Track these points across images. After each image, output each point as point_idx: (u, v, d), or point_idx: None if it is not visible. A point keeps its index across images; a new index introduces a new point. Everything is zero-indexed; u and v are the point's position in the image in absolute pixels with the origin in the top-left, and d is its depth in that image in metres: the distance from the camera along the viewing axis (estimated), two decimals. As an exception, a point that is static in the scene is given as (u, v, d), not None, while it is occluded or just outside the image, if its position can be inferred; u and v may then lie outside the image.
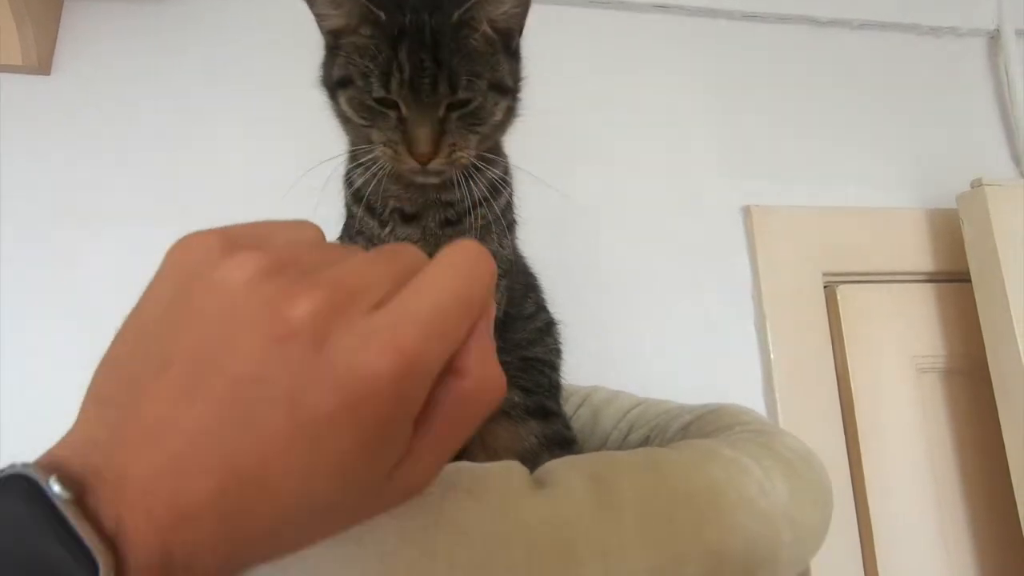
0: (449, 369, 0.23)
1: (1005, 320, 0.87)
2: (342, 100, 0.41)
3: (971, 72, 1.14)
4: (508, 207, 0.49)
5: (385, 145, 0.39)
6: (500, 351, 0.48)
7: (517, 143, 0.52)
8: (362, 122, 0.41)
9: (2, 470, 0.20)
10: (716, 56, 1.05)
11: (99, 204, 0.82)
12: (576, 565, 0.25)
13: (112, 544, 0.19)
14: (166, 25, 0.89)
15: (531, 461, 0.33)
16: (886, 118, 1.08)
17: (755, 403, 0.94)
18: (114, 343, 0.23)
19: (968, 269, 0.92)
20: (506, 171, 0.49)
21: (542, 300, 0.60)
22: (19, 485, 0.19)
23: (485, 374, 0.23)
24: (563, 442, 0.45)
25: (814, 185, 1.02)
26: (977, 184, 0.92)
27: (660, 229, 0.97)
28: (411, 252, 0.25)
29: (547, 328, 0.57)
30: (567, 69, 0.97)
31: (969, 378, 0.98)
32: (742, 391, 0.93)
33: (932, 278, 1.02)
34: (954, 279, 0.99)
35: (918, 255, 1.01)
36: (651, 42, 1.03)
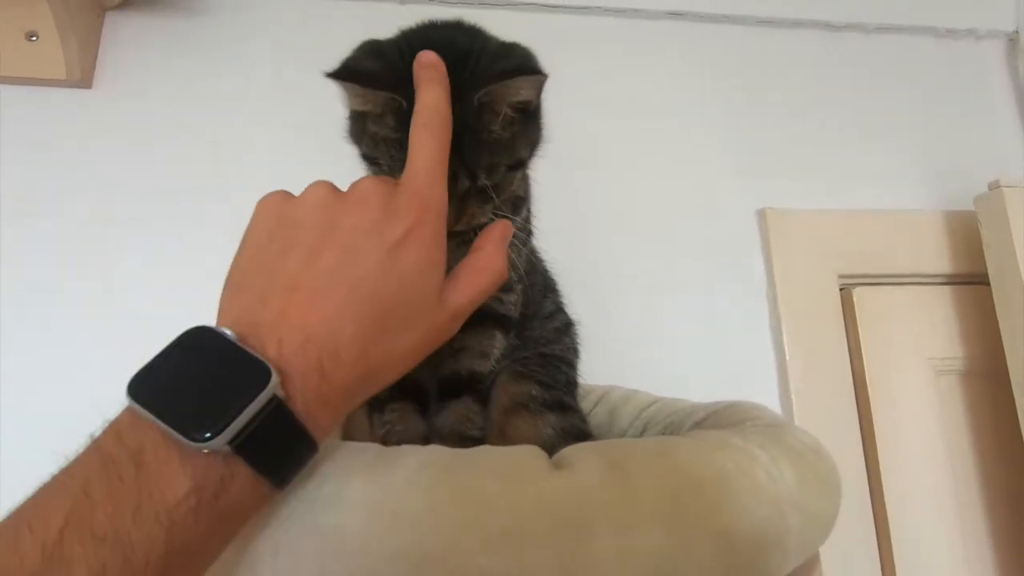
0: (474, 247, 0.38)
1: (1023, 321, 0.87)
2: (370, 169, 0.44)
3: (989, 74, 1.14)
4: (527, 219, 0.51)
5: None
6: (519, 348, 0.50)
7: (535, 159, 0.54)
8: None
9: (185, 331, 0.29)
10: (731, 61, 1.06)
11: (138, 208, 0.86)
12: (591, 539, 0.27)
13: (277, 364, 0.27)
14: (202, 40, 0.93)
15: (548, 452, 0.35)
16: (902, 121, 1.08)
17: (771, 405, 0.93)
18: (232, 268, 0.34)
19: (986, 271, 0.92)
20: (525, 190, 0.50)
21: (560, 302, 0.62)
22: (203, 333, 0.29)
23: (493, 255, 0.38)
24: (579, 435, 0.47)
25: (830, 188, 1.03)
26: (995, 186, 0.92)
27: (676, 232, 0.98)
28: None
29: (565, 328, 0.59)
30: (585, 76, 0.99)
31: (987, 380, 0.97)
32: (758, 394, 0.93)
33: (949, 280, 1.01)
34: (972, 281, 0.99)
35: (935, 257, 1.01)
36: (666, 48, 1.05)
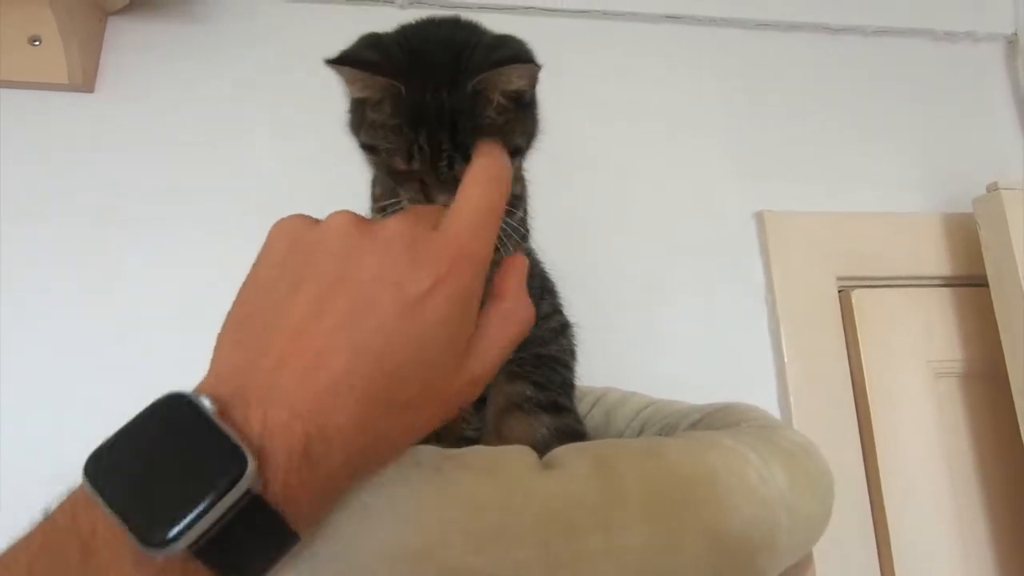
0: (493, 295, 0.32)
1: (1022, 323, 0.87)
2: (369, 159, 0.44)
3: (988, 77, 1.14)
4: (523, 219, 0.51)
5: (410, 202, 0.42)
6: (515, 348, 0.50)
7: (532, 154, 0.55)
8: (388, 179, 0.44)
9: (162, 395, 0.25)
10: (730, 64, 1.06)
11: (140, 212, 0.87)
12: (580, 538, 0.27)
13: (259, 444, 0.24)
14: (203, 45, 0.94)
15: (542, 451, 0.35)
16: (901, 123, 1.08)
17: (769, 408, 0.93)
18: (235, 305, 0.30)
19: (985, 273, 0.92)
20: (521, 190, 0.51)
21: (558, 303, 0.62)
22: (178, 402, 0.24)
23: (518, 301, 0.33)
24: (574, 436, 0.47)
25: (828, 190, 1.03)
26: (993, 188, 0.92)
27: (675, 235, 0.98)
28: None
29: (562, 329, 0.59)
30: (581, 79, 1.00)
31: (987, 382, 0.97)
32: (756, 396, 0.93)
33: (948, 282, 1.02)
34: (971, 283, 0.99)
35: (934, 259, 1.01)
36: (665, 52, 1.05)
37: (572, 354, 0.59)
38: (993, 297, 0.91)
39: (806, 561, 0.39)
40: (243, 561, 0.24)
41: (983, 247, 0.93)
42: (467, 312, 0.29)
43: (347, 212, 0.31)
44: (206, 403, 0.24)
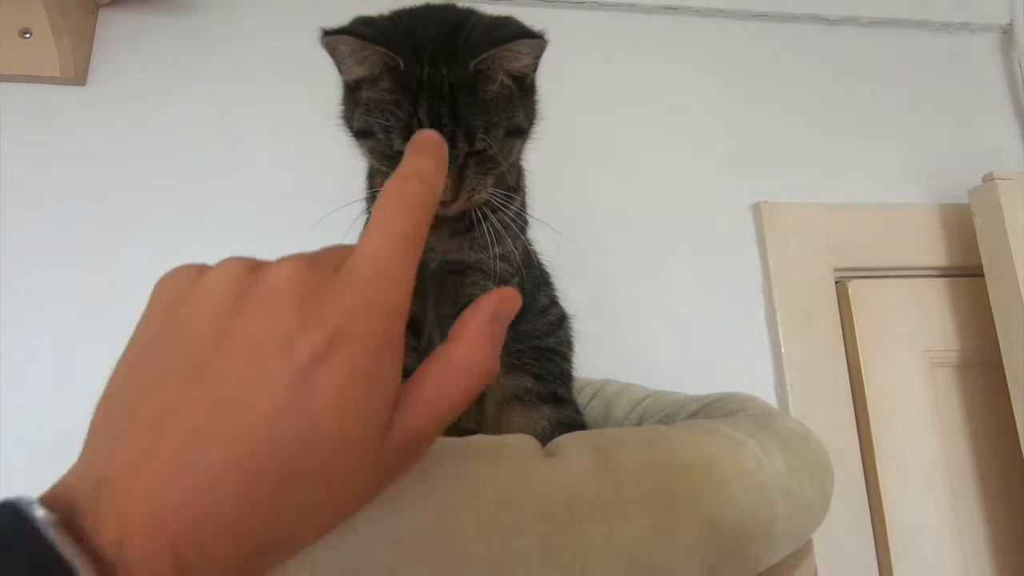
0: (449, 338, 0.26)
1: (1018, 313, 0.87)
2: (363, 148, 0.43)
3: (983, 67, 1.14)
4: (520, 211, 0.51)
5: None
6: (513, 341, 0.50)
7: (529, 145, 0.54)
8: (384, 168, 0.42)
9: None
10: (726, 56, 1.06)
11: (133, 205, 0.86)
12: (580, 524, 0.27)
13: (113, 555, 0.20)
14: (193, 36, 0.93)
15: (542, 443, 0.36)
16: (897, 114, 1.09)
17: (767, 398, 0.94)
18: (109, 380, 0.25)
19: (980, 263, 0.93)
20: (519, 179, 0.51)
21: (555, 295, 0.62)
22: (6, 511, 0.20)
23: (476, 346, 0.26)
24: (574, 427, 0.47)
25: (825, 181, 1.03)
26: (988, 178, 0.92)
27: (672, 226, 0.98)
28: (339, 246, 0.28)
29: (559, 322, 0.59)
30: (578, 71, 1.00)
31: (983, 372, 0.98)
32: (754, 386, 0.94)
33: (944, 272, 1.02)
34: (966, 273, 1.00)
35: (930, 250, 1.02)
36: (661, 43, 1.05)
37: (570, 345, 0.59)
38: (989, 287, 0.92)
39: (805, 549, 0.39)
40: None
41: (978, 237, 0.93)
42: (377, 370, 0.24)
43: (236, 259, 0.25)
44: (39, 513, 0.20)
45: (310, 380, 0.22)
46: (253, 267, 0.25)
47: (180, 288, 0.26)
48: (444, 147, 0.29)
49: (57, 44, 0.85)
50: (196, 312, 0.24)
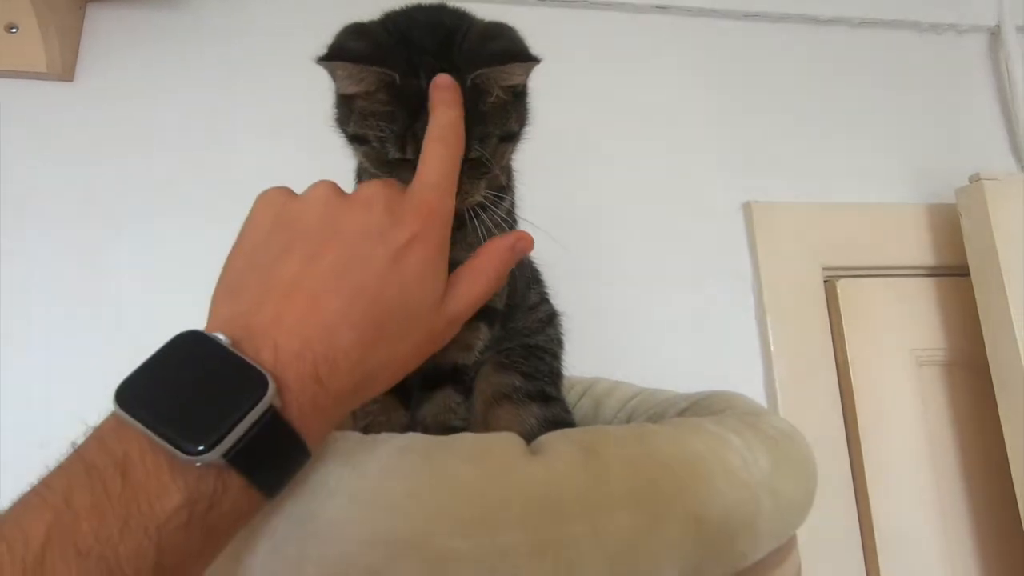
0: (475, 253, 0.38)
1: (1004, 313, 0.88)
2: (358, 152, 0.43)
3: (971, 68, 1.15)
4: (511, 210, 0.51)
5: None
6: (503, 339, 0.51)
7: (522, 143, 0.54)
8: (379, 172, 0.42)
9: (176, 334, 0.28)
10: (716, 55, 1.07)
11: (121, 203, 0.86)
12: (566, 522, 0.27)
13: (272, 371, 0.27)
14: (182, 32, 0.92)
15: (530, 441, 0.36)
16: (886, 114, 1.09)
17: (756, 396, 0.94)
18: (227, 269, 0.34)
19: (967, 263, 0.94)
20: (509, 179, 0.51)
21: (545, 293, 0.63)
22: (195, 338, 0.28)
23: (492, 261, 0.38)
24: (562, 425, 0.47)
25: (814, 181, 1.04)
26: (976, 179, 0.93)
27: (662, 225, 0.99)
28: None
29: (549, 319, 0.60)
30: (569, 70, 0.99)
31: (969, 371, 0.99)
32: (743, 384, 0.94)
33: (932, 272, 1.03)
34: (953, 273, 1.01)
35: (917, 250, 1.03)
36: (652, 42, 1.05)
37: (559, 343, 0.59)
38: (975, 287, 0.93)
39: (789, 545, 0.39)
40: (268, 473, 0.27)
41: (965, 237, 0.94)
42: (440, 259, 0.34)
43: (327, 181, 0.35)
44: (221, 337, 0.27)
45: (400, 260, 0.32)
46: (341, 188, 0.35)
47: (283, 200, 0.35)
48: (458, 89, 0.38)
49: (44, 40, 0.84)
50: (308, 210, 0.34)
